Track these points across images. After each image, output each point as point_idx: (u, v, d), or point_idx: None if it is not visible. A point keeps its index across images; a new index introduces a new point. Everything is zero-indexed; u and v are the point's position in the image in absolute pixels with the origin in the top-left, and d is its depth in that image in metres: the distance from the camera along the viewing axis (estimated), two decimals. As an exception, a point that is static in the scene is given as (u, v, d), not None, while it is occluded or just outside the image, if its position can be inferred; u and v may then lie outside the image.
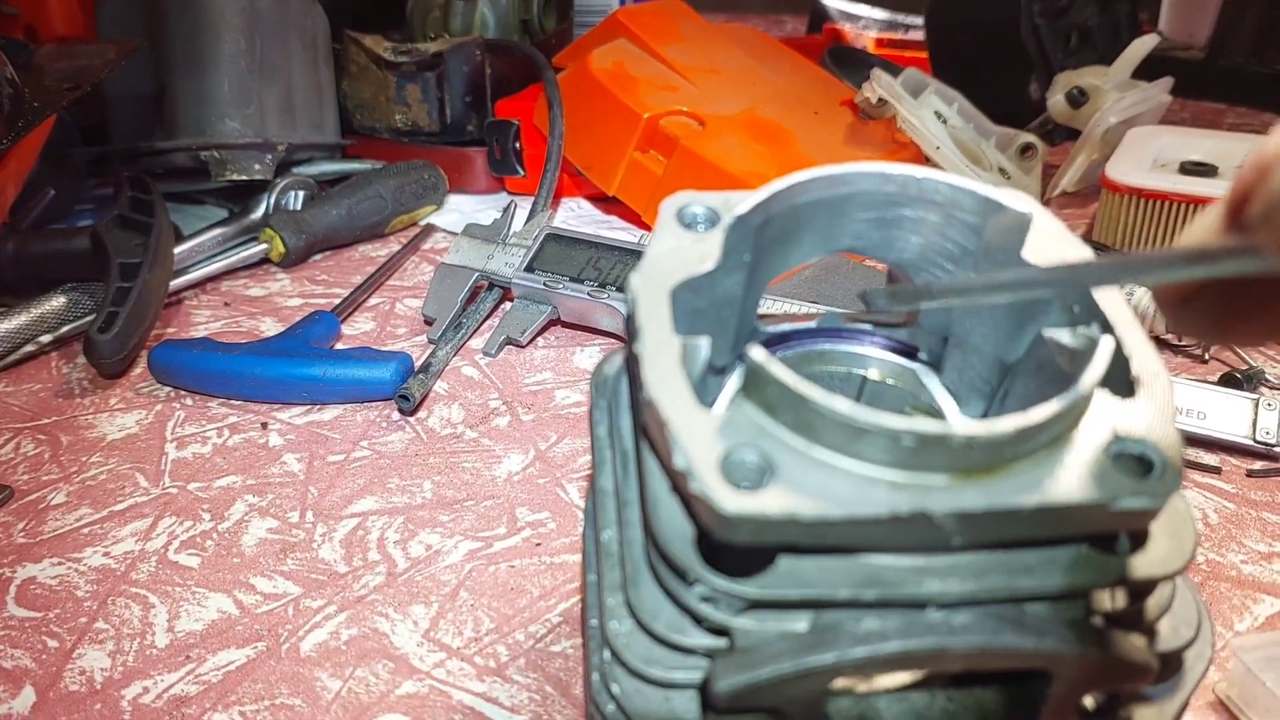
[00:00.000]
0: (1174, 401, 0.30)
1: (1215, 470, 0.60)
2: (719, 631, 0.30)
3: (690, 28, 1.03)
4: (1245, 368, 0.68)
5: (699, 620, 0.31)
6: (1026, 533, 0.28)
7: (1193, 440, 0.62)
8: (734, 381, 0.39)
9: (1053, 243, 0.35)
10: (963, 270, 0.37)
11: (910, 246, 0.38)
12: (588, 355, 0.73)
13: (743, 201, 0.35)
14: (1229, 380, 0.67)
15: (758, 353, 0.29)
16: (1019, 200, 0.35)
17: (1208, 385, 0.64)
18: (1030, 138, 0.96)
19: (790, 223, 0.37)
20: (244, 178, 0.86)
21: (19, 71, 0.70)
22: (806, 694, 0.29)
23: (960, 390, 0.39)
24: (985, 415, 0.39)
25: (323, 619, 0.49)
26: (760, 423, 0.29)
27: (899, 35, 1.41)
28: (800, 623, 0.29)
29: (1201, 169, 0.86)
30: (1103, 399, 0.30)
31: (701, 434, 0.28)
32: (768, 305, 0.72)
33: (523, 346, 0.74)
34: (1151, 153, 0.88)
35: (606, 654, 0.33)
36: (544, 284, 0.74)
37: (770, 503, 0.27)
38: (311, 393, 0.66)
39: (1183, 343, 0.74)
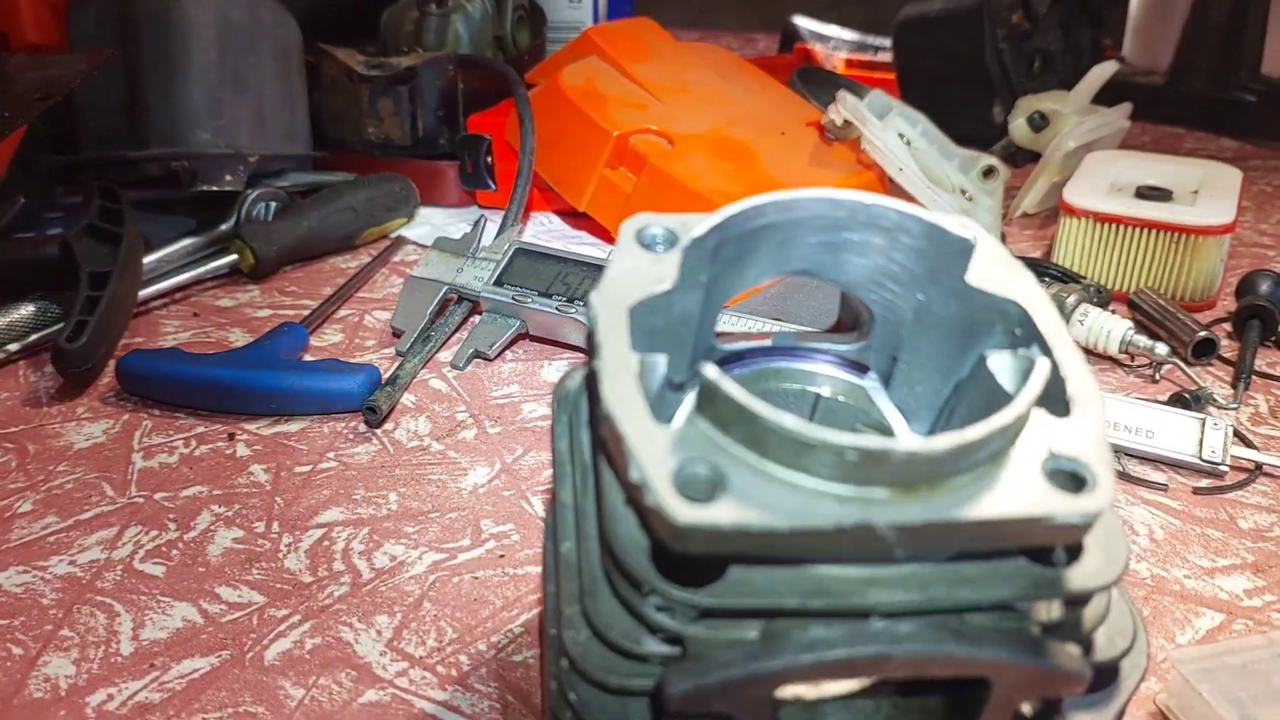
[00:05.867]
0: (1107, 421, 0.32)
1: (1162, 487, 0.62)
2: (673, 640, 0.31)
3: (661, 47, 1.05)
4: (1194, 388, 0.70)
5: (654, 629, 0.32)
6: (966, 545, 0.30)
7: (1141, 458, 0.63)
8: (692, 397, 0.41)
9: (995, 267, 0.37)
10: (910, 293, 0.39)
11: (859, 269, 0.39)
12: (555, 369, 0.74)
13: (699, 224, 0.36)
14: (1178, 400, 0.68)
15: (710, 370, 0.30)
16: (963, 226, 0.37)
17: (1157, 405, 0.65)
18: (992, 160, 0.97)
19: (745, 245, 0.38)
20: (214, 188, 0.87)
21: (-10, 81, 0.70)
22: (756, 699, 0.30)
23: (909, 407, 0.41)
24: (933, 431, 0.40)
25: (287, 628, 0.50)
26: (713, 437, 0.30)
27: (869, 56, 1.43)
28: (751, 631, 0.31)
29: (1157, 193, 0.88)
30: (1040, 418, 0.32)
31: (656, 448, 0.29)
32: (727, 322, 0.73)
33: (491, 360, 0.75)
34: (1109, 176, 0.91)
35: (564, 663, 0.34)
36: (513, 298, 0.75)
37: (721, 515, 0.28)
38: (279, 404, 0.66)
39: (1134, 363, 0.76)
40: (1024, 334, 0.36)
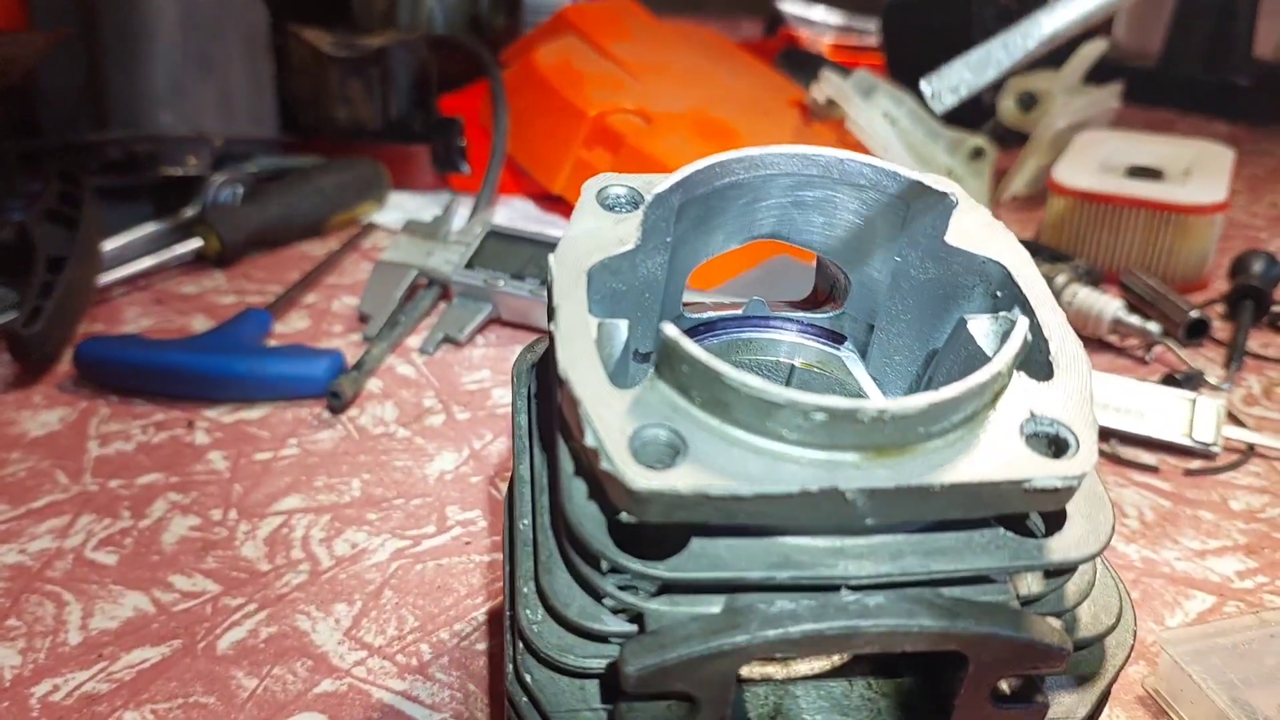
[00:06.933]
0: (1092, 384, 0.30)
1: (1153, 469, 0.60)
2: (633, 618, 0.30)
3: (639, 26, 1.03)
4: (1185, 369, 0.69)
5: (613, 606, 0.30)
6: (939, 513, 0.28)
7: (1131, 440, 0.62)
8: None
9: (976, 227, 0.35)
10: (887, 255, 0.37)
11: (834, 229, 0.37)
12: (529, 354, 0.72)
13: (663, 181, 0.34)
14: (1169, 382, 0.67)
15: (669, 329, 0.28)
16: (943, 183, 0.35)
17: (1148, 385, 0.64)
18: (981, 141, 0.96)
19: (711, 204, 0.36)
20: (178, 172, 0.84)
21: (-56, 60, 0.68)
22: (718, 676, 0.28)
23: (887, 378, 0.39)
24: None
25: (241, 617, 0.48)
26: (674, 401, 0.28)
27: (854, 40, 1.41)
28: (714, 606, 0.29)
29: (1148, 173, 0.87)
30: (1021, 381, 0.30)
31: (613, 412, 0.27)
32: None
33: (461, 345, 0.73)
34: (1099, 156, 0.89)
35: (520, 644, 0.32)
36: (484, 281, 0.73)
37: (680, 480, 0.26)
38: (240, 390, 0.64)
39: (1124, 345, 0.74)
40: (1005, 296, 0.34)
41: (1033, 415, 0.29)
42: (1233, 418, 0.64)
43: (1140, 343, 0.72)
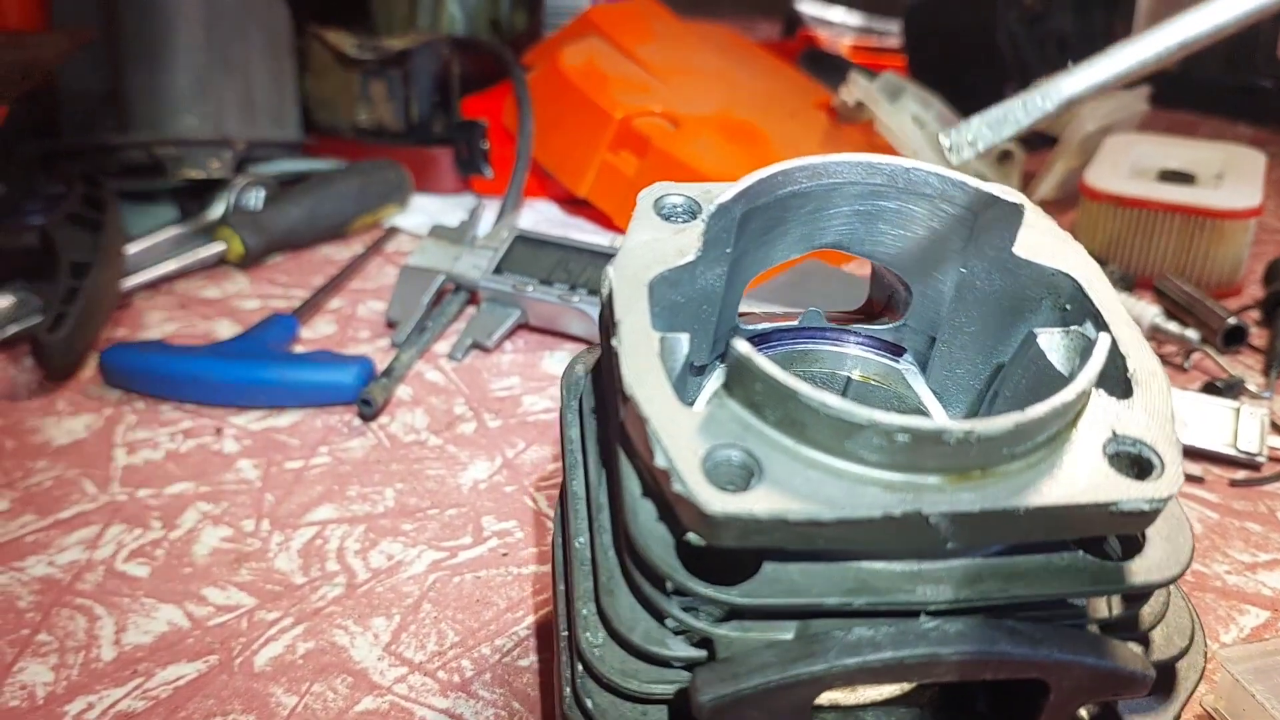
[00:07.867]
0: (1172, 400, 0.29)
1: (1198, 480, 0.59)
2: (700, 642, 0.29)
3: (664, 27, 1.02)
4: (1225, 377, 0.68)
5: (679, 630, 0.29)
6: (1023, 536, 0.27)
7: (1173, 448, 0.61)
8: (714, 382, 0.38)
9: (1043, 238, 0.34)
10: (951, 266, 0.36)
11: (898, 240, 0.36)
12: (557, 360, 0.71)
13: (725, 191, 0.34)
14: (1209, 390, 0.66)
15: (742, 345, 0.27)
16: (1011, 194, 0.34)
17: (1190, 394, 0.63)
18: (1008, 144, 0.95)
19: (773, 215, 0.35)
20: (201, 175, 0.84)
21: (-34, 62, 0.67)
22: (794, 705, 0.27)
23: (947, 392, 0.38)
24: (972, 417, 0.37)
25: (278, 632, 0.47)
26: (745, 420, 0.28)
27: (875, 41, 1.40)
28: (786, 632, 0.28)
29: (1180, 177, 0.86)
30: (1100, 399, 0.29)
31: (683, 432, 0.27)
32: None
33: (490, 351, 0.72)
34: (1130, 160, 0.88)
35: (579, 667, 0.31)
36: (512, 286, 0.72)
37: (757, 504, 0.25)
38: (268, 397, 0.63)
39: (1161, 352, 0.73)
40: (1075, 310, 0.33)
41: (1115, 435, 0.28)
42: (1276, 427, 0.63)
43: (1179, 349, 0.71)
